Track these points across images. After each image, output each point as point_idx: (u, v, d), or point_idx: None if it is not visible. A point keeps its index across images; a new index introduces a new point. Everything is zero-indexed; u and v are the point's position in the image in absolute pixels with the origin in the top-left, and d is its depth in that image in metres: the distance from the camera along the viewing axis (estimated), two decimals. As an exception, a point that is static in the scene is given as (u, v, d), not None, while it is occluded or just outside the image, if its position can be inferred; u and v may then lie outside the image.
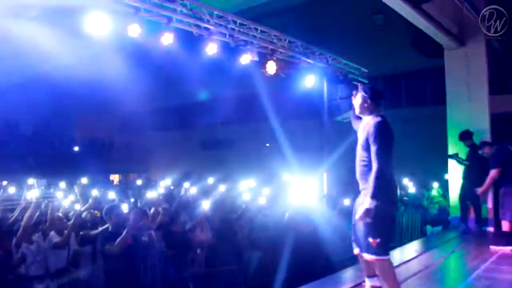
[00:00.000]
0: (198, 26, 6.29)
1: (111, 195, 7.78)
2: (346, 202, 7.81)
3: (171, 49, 6.23)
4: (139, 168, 21.60)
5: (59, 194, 7.61)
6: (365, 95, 3.53)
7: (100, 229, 5.50)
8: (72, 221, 5.41)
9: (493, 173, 6.22)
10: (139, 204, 7.05)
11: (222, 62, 7.00)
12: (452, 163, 8.59)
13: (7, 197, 7.19)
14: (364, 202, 3.33)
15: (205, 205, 6.26)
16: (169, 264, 5.63)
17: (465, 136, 8.03)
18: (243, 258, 6.32)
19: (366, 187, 3.38)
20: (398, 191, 6.81)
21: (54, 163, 18.75)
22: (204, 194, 7.67)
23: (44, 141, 19.50)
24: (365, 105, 3.53)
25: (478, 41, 8.47)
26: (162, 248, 5.64)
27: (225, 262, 5.99)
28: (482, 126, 8.27)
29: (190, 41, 6.37)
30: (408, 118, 14.34)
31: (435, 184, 10.16)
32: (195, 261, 5.95)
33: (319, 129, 10.07)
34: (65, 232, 5.30)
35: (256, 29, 7.08)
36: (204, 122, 19.26)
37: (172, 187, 10.00)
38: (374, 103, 3.51)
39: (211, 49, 6.52)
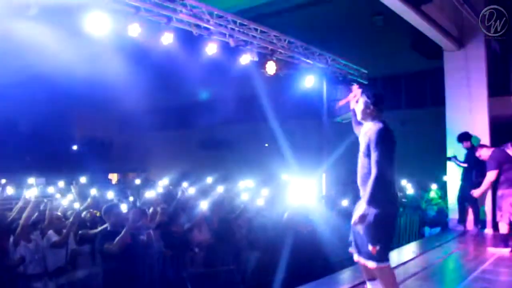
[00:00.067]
0: (198, 26, 6.29)
1: (110, 194, 7.79)
2: (345, 202, 7.83)
3: (171, 49, 6.22)
4: (138, 167, 21.57)
5: (57, 194, 7.61)
6: (368, 101, 3.44)
7: (99, 228, 5.51)
8: (71, 220, 5.42)
9: (490, 175, 6.23)
10: (138, 204, 7.06)
11: (222, 62, 7.00)
12: (450, 165, 8.60)
13: (6, 196, 7.17)
14: (359, 207, 3.31)
15: (204, 205, 6.27)
16: (167, 264, 5.64)
17: (464, 138, 8.04)
18: (241, 258, 6.33)
19: None
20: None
21: (53, 162, 18.70)
22: (203, 194, 7.67)
23: (43, 140, 19.42)
24: (368, 111, 3.45)
25: (478, 43, 8.47)
26: (161, 248, 5.65)
27: (224, 262, 6.00)
28: (481, 128, 8.26)
29: (190, 41, 6.37)
30: (407, 119, 14.33)
31: (434, 186, 10.15)
32: (194, 261, 5.96)
33: (319, 130, 10.08)
34: (64, 231, 5.31)
35: (256, 29, 7.08)
36: (203, 122, 19.20)
37: (170, 187, 9.99)
38: (376, 109, 3.43)
39: (211, 49, 6.52)
